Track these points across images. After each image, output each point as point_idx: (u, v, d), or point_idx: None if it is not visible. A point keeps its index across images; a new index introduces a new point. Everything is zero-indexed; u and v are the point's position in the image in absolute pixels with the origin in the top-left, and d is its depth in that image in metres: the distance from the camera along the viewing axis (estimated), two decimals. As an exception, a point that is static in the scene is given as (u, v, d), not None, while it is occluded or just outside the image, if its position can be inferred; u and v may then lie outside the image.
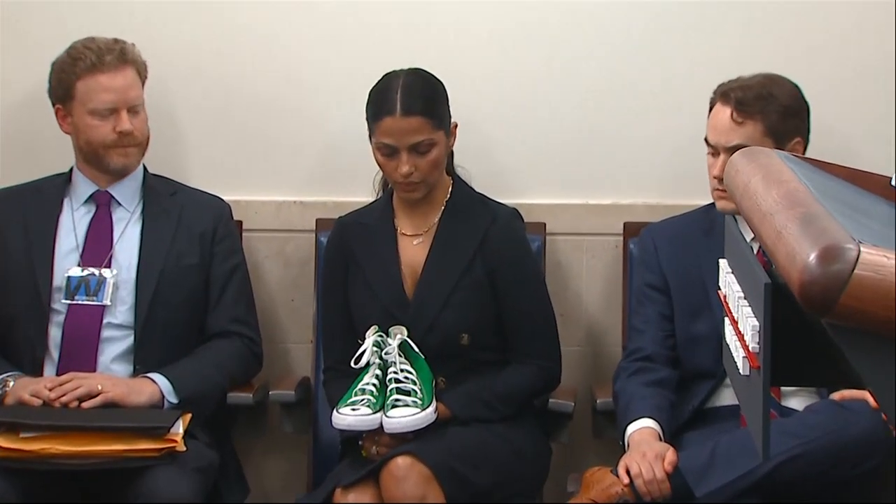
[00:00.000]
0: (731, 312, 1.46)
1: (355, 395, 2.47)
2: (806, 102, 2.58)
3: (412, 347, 2.52)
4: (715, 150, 2.56)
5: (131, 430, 2.42)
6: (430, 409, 2.46)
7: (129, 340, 2.63)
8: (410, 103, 2.52)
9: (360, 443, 2.51)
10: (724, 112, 2.54)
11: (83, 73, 2.64)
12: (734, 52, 2.86)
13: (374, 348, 2.50)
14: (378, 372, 2.50)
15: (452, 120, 2.62)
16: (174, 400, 2.57)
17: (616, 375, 2.65)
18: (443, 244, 2.62)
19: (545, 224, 2.90)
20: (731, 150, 2.48)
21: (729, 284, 1.49)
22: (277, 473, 3.01)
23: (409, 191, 2.57)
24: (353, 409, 2.43)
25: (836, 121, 2.83)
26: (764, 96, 2.51)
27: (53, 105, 2.71)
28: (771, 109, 2.51)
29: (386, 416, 2.43)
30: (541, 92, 2.94)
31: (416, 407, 2.44)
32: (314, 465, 2.78)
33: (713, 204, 2.69)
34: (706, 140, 2.58)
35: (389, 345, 2.51)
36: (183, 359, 2.64)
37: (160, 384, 2.57)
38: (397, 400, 2.45)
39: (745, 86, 2.54)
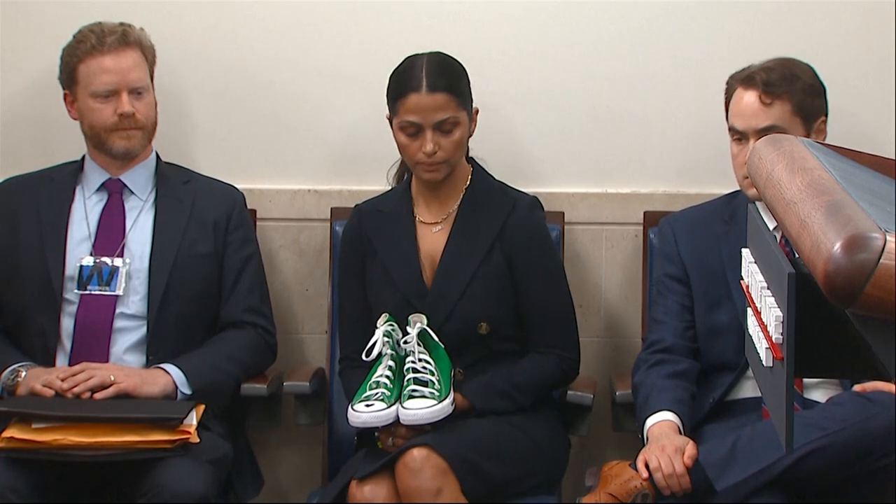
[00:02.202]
0: (753, 303, 1.45)
1: (369, 388, 2.47)
2: (823, 83, 2.58)
3: (431, 336, 2.52)
4: (742, 137, 2.55)
5: (144, 421, 2.43)
6: (448, 400, 2.46)
7: (142, 331, 2.64)
8: (436, 80, 2.53)
9: (376, 434, 2.51)
10: (750, 96, 2.53)
11: (84, 55, 2.65)
12: (755, 37, 2.85)
13: (386, 338, 2.50)
14: (391, 363, 2.50)
15: (474, 105, 2.62)
16: (187, 391, 2.57)
17: (635, 367, 2.64)
18: (462, 232, 2.62)
19: (564, 213, 2.90)
20: (762, 132, 2.48)
21: (752, 274, 1.48)
22: (292, 466, 3.02)
23: (432, 171, 2.56)
24: (368, 406, 2.43)
25: (848, 106, 2.82)
26: (788, 77, 2.52)
27: (63, 91, 2.73)
28: (797, 88, 2.52)
29: (402, 407, 2.43)
30: (560, 79, 2.94)
31: (434, 399, 2.44)
32: (329, 458, 2.79)
33: (735, 193, 2.68)
34: (731, 129, 2.57)
35: (408, 333, 2.51)
36: (196, 349, 2.65)
37: (173, 375, 2.58)
38: (414, 391, 2.45)
39: (768, 68, 2.54)
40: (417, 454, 2.38)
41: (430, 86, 2.53)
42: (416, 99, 2.52)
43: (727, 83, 2.62)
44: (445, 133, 2.55)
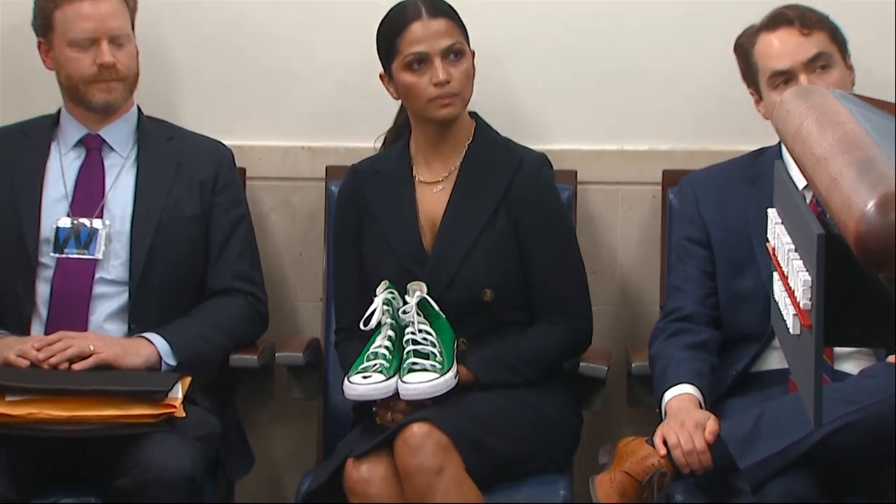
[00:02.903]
0: (780, 267, 1.46)
1: (367, 359, 2.48)
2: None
3: (432, 305, 2.53)
4: (790, 79, 2.54)
5: (126, 394, 2.43)
6: (450, 373, 2.46)
7: (124, 297, 2.64)
8: (435, 6, 2.58)
9: (373, 409, 2.52)
10: (785, 33, 2.55)
11: (61, 0, 2.63)
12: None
13: (385, 307, 2.51)
14: (391, 333, 2.51)
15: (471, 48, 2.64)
16: (172, 362, 2.58)
17: (653, 337, 2.65)
18: (464, 192, 2.62)
19: (576, 172, 2.89)
20: (810, 64, 2.51)
21: (778, 236, 1.48)
22: (284, 442, 3.03)
23: (446, 105, 2.57)
24: (365, 377, 2.44)
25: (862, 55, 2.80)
26: (816, 12, 2.58)
27: (37, 39, 2.72)
28: (825, 19, 2.58)
29: (402, 381, 2.44)
30: (570, 26, 2.92)
31: (435, 371, 2.45)
32: (324, 434, 2.80)
33: (761, 150, 2.69)
34: (772, 75, 2.56)
35: (407, 302, 2.51)
36: (182, 318, 2.65)
37: (157, 345, 2.58)
38: (414, 364, 2.46)
39: (792, 7, 2.58)
40: (418, 430, 2.39)
41: (431, 11, 2.56)
42: (419, 27, 2.55)
43: (738, 44, 2.62)
44: (454, 62, 2.56)
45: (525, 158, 2.64)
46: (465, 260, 2.59)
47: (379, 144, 2.79)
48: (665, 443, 2.39)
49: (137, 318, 2.64)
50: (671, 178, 2.85)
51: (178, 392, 2.47)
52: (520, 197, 2.60)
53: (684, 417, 2.41)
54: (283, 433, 3.03)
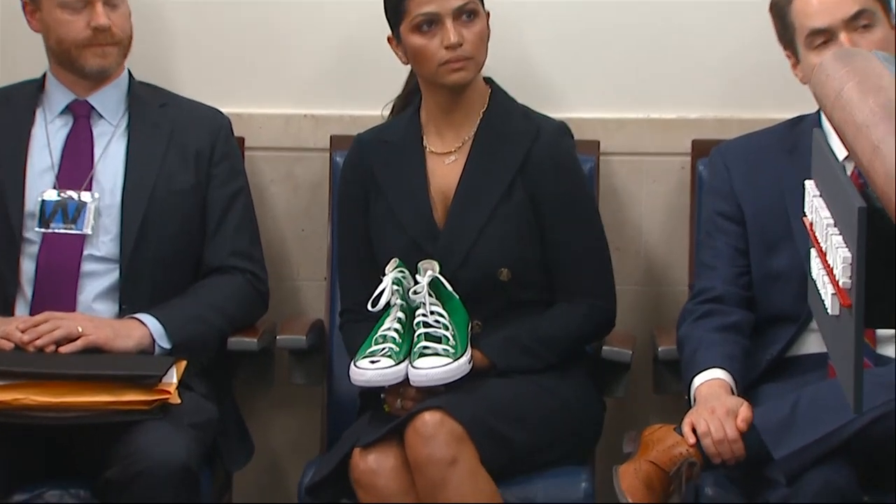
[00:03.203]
0: (817, 243, 1.46)
1: (375, 343, 2.48)
2: None
3: (444, 285, 2.53)
4: (830, 38, 2.53)
5: (117, 378, 2.44)
6: (464, 358, 2.47)
7: (114, 275, 2.65)
8: None
9: (382, 397, 2.53)
10: None
11: None
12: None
13: (395, 286, 2.51)
14: (401, 314, 2.51)
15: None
16: (166, 345, 2.59)
17: (681, 319, 2.65)
18: (478, 163, 2.62)
19: (598, 142, 2.89)
20: (852, 22, 2.49)
21: (816, 210, 1.49)
22: (286, 431, 3.05)
23: (459, 68, 2.57)
24: (373, 362, 2.45)
25: None
26: None
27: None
28: None
29: (412, 366, 2.45)
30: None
31: (448, 356, 2.45)
32: (329, 422, 2.81)
33: (798, 118, 2.68)
34: (811, 34, 2.55)
35: (418, 282, 2.52)
36: (176, 297, 2.66)
37: (150, 326, 2.59)
38: (426, 348, 2.46)
39: None
40: (429, 418, 2.39)
41: None
42: None
43: (774, 2, 2.60)
44: (466, 23, 2.56)
45: (544, 127, 2.64)
46: (479, 236, 2.59)
47: (387, 112, 2.79)
48: (694, 431, 2.39)
49: (129, 298, 2.65)
50: (701, 149, 2.85)
51: (173, 377, 2.47)
52: (538, 169, 2.60)
53: (715, 404, 2.41)
54: (285, 421, 3.05)
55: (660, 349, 2.72)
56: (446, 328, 2.49)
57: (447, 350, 2.46)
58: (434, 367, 2.44)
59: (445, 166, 2.64)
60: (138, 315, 2.61)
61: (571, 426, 2.58)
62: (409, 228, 2.61)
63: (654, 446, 2.41)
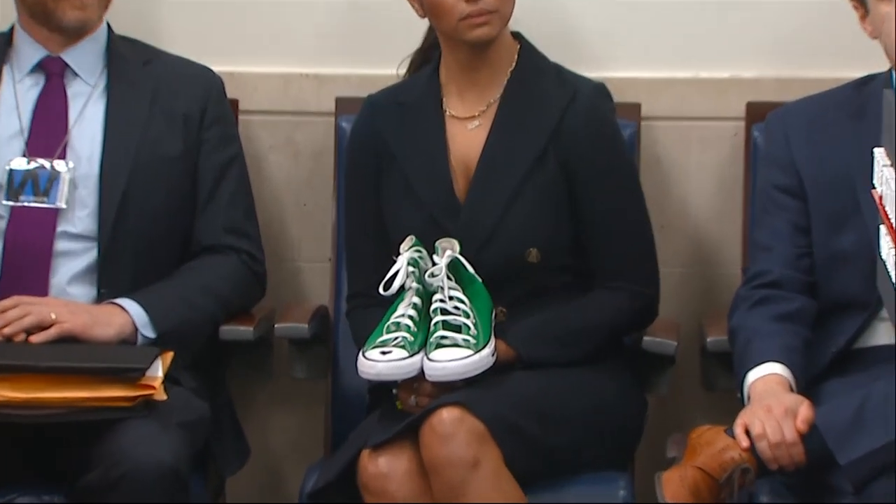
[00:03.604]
0: (888, 219, 1.44)
1: (387, 331, 2.48)
2: None
3: (465, 267, 2.52)
4: None
5: (95, 371, 2.43)
6: (487, 350, 2.47)
7: (92, 255, 2.65)
8: None
9: (394, 392, 2.53)
10: None
11: None
12: None
13: (411, 268, 2.51)
14: (416, 300, 2.51)
15: None
16: (151, 334, 2.59)
17: (734, 306, 2.64)
18: (506, 129, 2.61)
19: (640, 105, 2.89)
20: None
21: (887, 181, 1.47)
22: (286, 431, 3.06)
23: (480, 24, 2.56)
24: (384, 353, 2.45)
25: None
26: None
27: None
28: None
29: (428, 358, 2.44)
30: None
31: (468, 347, 2.45)
32: (333, 421, 2.82)
33: (867, 78, 2.66)
34: None
35: (435, 264, 2.51)
36: (162, 280, 2.67)
37: (132, 313, 2.59)
38: (443, 338, 2.46)
39: None
40: (447, 416, 2.39)
41: None
42: None
43: None
44: None
45: (580, 89, 2.63)
46: (505, 212, 2.59)
47: (403, 71, 2.77)
48: (748, 433, 2.38)
49: (108, 281, 2.64)
50: (757, 113, 2.85)
51: (158, 370, 2.47)
52: (573, 136, 2.60)
53: (771, 402, 2.40)
54: (285, 420, 3.05)
55: (709, 340, 2.72)
56: (467, 315, 2.48)
57: (467, 341, 2.46)
58: (453, 360, 2.43)
59: (468, 132, 2.64)
60: (119, 300, 2.61)
61: (608, 426, 2.57)
62: (426, 203, 2.61)
63: (703, 450, 2.40)
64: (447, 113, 2.65)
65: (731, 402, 2.57)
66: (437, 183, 2.61)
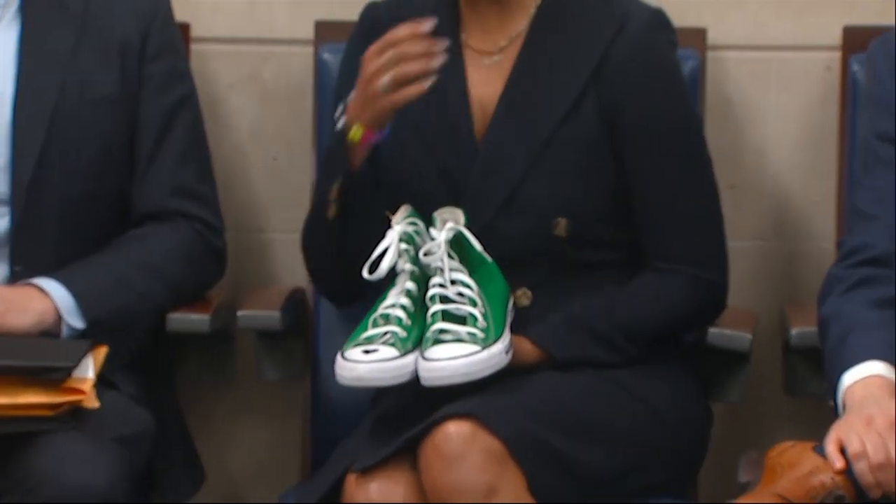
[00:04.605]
0: None
1: (373, 325, 2.48)
2: None
3: (472, 244, 2.53)
4: None
5: (9, 371, 2.43)
6: (499, 346, 2.46)
7: (4, 223, 2.67)
8: None
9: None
10: None
11: None
12: None
13: (404, 245, 2.51)
14: (411, 285, 2.51)
15: None
16: (79, 323, 2.61)
17: (825, 290, 2.63)
18: (533, 66, 2.62)
19: (705, 32, 2.91)
20: None
21: None
22: (252, 448, 3.07)
23: None
24: (367, 352, 2.45)
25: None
26: None
27: None
28: None
29: (423, 357, 2.44)
30: None
31: (475, 342, 2.45)
32: (313, 435, 2.84)
33: None
34: None
35: (433, 239, 2.52)
36: (93, 255, 2.67)
37: (55, 297, 2.60)
38: (443, 331, 2.46)
39: None
40: (456, 432, 2.40)
41: None
42: None
43: None
44: None
45: (630, 16, 2.63)
46: (528, 170, 2.60)
47: None
48: (843, 451, 2.38)
49: (24, 256, 2.66)
50: (856, 40, 2.86)
51: (89, 370, 2.48)
52: (619, 76, 2.61)
53: (873, 412, 2.39)
54: (250, 434, 3.07)
55: (793, 332, 2.73)
56: (473, 304, 2.48)
57: (473, 335, 2.45)
58: (454, 358, 2.42)
59: (484, 69, 2.66)
60: (38, 280, 2.62)
61: (662, 443, 2.58)
62: (437, 149, 2.62)
63: (785, 473, 2.40)
64: (463, 43, 2.65)
65: (821, 410, 2.58)
66: (452, 126, 2.62)
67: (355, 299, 2.63)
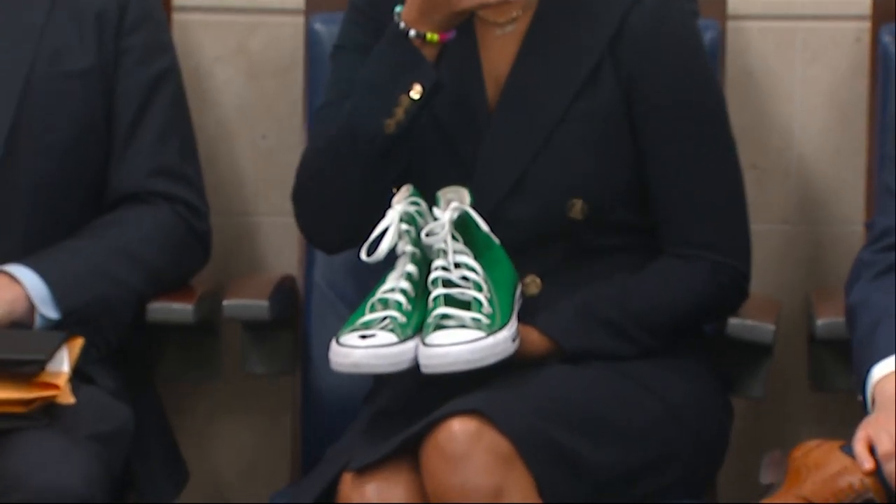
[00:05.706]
0: None
1: (371, 310, 2.49)
2: None
3: (478, 225, 2.53)
4: None
5: (-21, 366, 2.44)
6: (505, 332, 2.47)
7: (-30, 207, 2.67)
8: None
9: None
10: None
11: None
12: None
13: (405, 226, 2.52)
14: (412, 268, 2.52)
15: None
16: (53, 314, 2.62)
17: (853, 276, 2.64)
18: (545, 37, 2.63)
19: (725, 1, 2.90)
20: None
21: None
22: (239, 446, 3.08)
23: None
24: (364, 337, 2.45)
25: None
26: None
27: None
28: None
29: (424, 343, 2.44)
30: None
31: (479, 328, 2.45)
32: (304, 432, 2.84)
33: None
34: None
35: (436, 219, 2.52)
36: (68, 241, 2.68)
37: (27, 285, 2.61)
38: (445, 316, 2.46)
39: None
40: (460, 430, 2.40)
41: None
42: None
43: None
44: None
45: (648, -14, 2.64)
46: (541, 149, 2.60)
47: None
48: (872, 450, 2.38)
49: (-7, 241, 2.66)
50: (887, 9, 2.86)
51: (64, 363, 2.48)
52: (636, 48, 2.62)
53: (905, 409, 2.40)
54: (237, 432, 3.08)
55: (819, 323, 2.74)
56: (478, 288, 2.49)
57: (478, 320, 2.46)
58: (456, 344, 2.42)
59: (496, 39, 2.66)
60: (8, 267, 2.63)
61: (680, 442, 2.58)
62: (447, 124, 2.62)
63: (810, 474, 2.41)
64: (475, 14, 2.63)
65: (849, 406, 2.59)
66: (463, 98, 2.62)
67: (349, 244, 2.62)
